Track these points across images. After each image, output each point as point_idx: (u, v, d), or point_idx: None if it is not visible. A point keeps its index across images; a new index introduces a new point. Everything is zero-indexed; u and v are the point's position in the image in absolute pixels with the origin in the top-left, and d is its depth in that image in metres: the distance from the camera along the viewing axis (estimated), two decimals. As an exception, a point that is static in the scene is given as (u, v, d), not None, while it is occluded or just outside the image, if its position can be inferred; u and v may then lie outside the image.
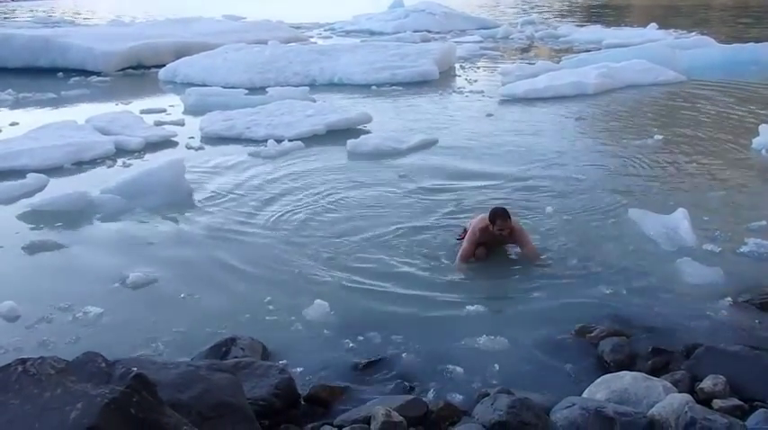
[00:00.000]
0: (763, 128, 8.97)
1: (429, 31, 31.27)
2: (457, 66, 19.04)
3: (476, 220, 5.51)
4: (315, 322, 4.51)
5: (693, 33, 25.49)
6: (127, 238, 6.21)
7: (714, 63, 16.62)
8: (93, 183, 7.76)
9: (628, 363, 3.84)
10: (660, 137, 9.36)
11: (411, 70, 16.08)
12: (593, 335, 4.19)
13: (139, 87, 16.87)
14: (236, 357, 3.91)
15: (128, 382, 2.65)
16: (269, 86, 14.66)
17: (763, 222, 6.01)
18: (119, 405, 2.54)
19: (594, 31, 29.30)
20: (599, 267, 5.23)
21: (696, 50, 17.73)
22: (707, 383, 3.48)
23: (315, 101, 12.74)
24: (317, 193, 7.38)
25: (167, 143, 10.03)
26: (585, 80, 13.69)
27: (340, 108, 11.81)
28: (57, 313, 4.75)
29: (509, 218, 5.31)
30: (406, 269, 5.34)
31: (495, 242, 5.52)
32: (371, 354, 4.10)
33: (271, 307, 4.77)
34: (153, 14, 55.98)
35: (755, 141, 8.77)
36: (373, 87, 15.07)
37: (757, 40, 19.10)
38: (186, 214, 6.88)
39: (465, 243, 5.42)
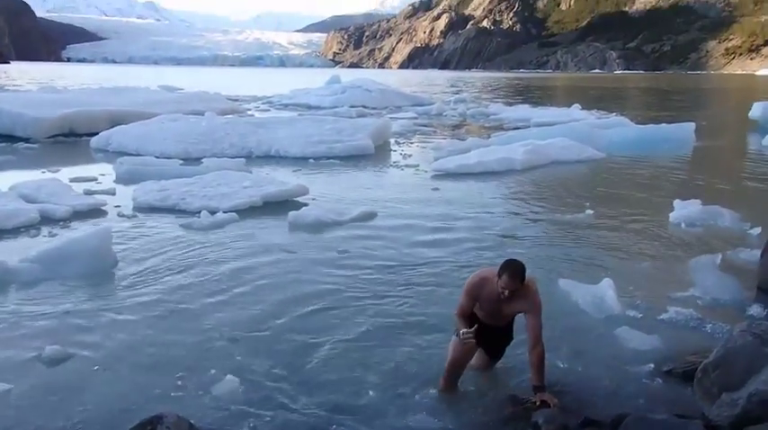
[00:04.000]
0: (677, 203, 9.55)
1: (365, 107, 32.22)
2: (392, 140, 19.57)
3: (474, 276, 4.49)
4: (233, 398, 4.36)
5: (613, 114, 27.21)
6: (43, 309, 5.89)
7: (631, 141, 17.82)
8: (13, 251, 7.40)
9: (560, 434, 3.87)
10: (591, 211, 9.79)
11: (347, 144, 16.40)
12: (525, 406, 4.22)
13: (70, 155, 16.51)
14: (162, 435, 3.73)
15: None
16: (205, 157, 14.56)
17: (684, 292, 6.31)
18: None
19: (523, 110, 30.94)
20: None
21: (614, 130, 18.98)
22: (636, 452, 3.55)
23: (251, 172, 12.76)
24: (246, 267, 7.23)
25: (96, 212, 9.75)
26: (514, 156, 14.29)
27: (277, 180, 11.84)
28: (-37, 390, 4.41)
29: (521, 277, 4.19)
30: (329, 344, 5.25)
31: (494, 309, 4.38)
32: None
33: (187, 383, 4.58)
34: (87, 83, 55.49)
35: (672, 215, 9.30)
36: (310, 160, 15.25)
37: (669, 121, 20.68)
38: (108, 285, 6.63)
39: (459, 310, 4.40)
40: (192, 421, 4.00)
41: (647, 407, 4.19)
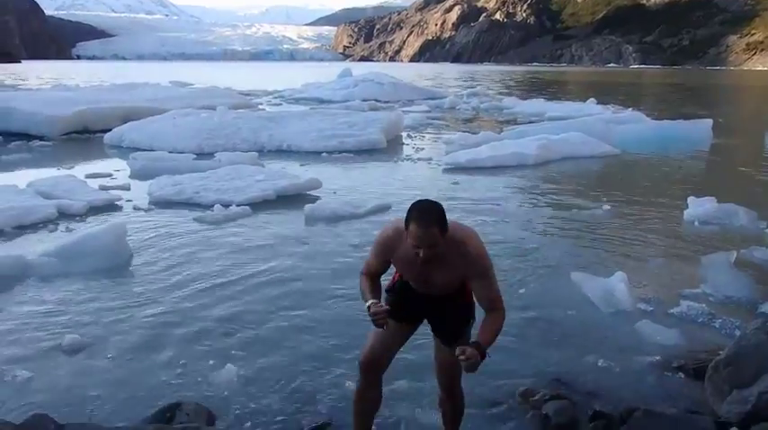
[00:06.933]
0: (691, 199, 9.48)
1: (377, 101, 32.14)
2: (404, 134, 19.58)
3: (389, 226, 3.12)
4: (253, 385, 4.46)
5: (629, 109, 26.97)
6: (62, 301, 6.04)
7: (646, 138, 17.61)
8: (32, 246, 7.56)
9: (570, 426, 3.90)
10: (605, 207, 9.76)
11: (359, 138, 16.43)
12: (536, 398, 4.26)
13: (84, 152, 16.66)
14: (181, 422, 3.81)
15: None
16: (217, 152, 14.69)
17: (696, 289, 6.28)
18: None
19: (537, 104, 30.71)
20: (542, 329, 5.35)
21: (629, 125, 18.74)
22: (645, 446, 3.57)
23: (264, 166, 12.84)
24: (259, 260, 7.31)
25: (112, 207, 9.87)
26: (526, 151, 14.25)
27: (290, 174, 11.91)
28: (-16, 377, 4.53)
29: (438, 224, 2.77)
30: (334, 340, 5.24)
31: (417, 276, 3.06)
32: (314, 417, 4.03)
33: (207, 372, 4.66)
34: (98, 80, 55.82)
35: (686, 213, 9.23)
36: (323, 154, 15.31)
37: (685, 117, 20.43)
38: (123, 278, 6.77)
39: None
40: (210, 409, 4.09)
41: (657, 401, 4.20)
